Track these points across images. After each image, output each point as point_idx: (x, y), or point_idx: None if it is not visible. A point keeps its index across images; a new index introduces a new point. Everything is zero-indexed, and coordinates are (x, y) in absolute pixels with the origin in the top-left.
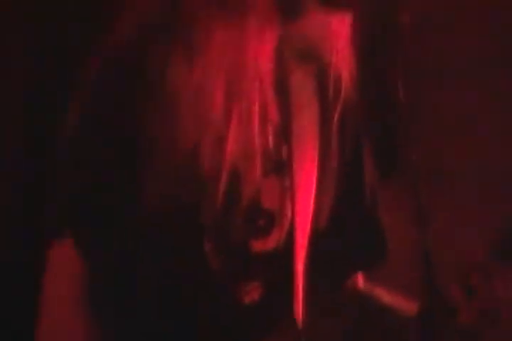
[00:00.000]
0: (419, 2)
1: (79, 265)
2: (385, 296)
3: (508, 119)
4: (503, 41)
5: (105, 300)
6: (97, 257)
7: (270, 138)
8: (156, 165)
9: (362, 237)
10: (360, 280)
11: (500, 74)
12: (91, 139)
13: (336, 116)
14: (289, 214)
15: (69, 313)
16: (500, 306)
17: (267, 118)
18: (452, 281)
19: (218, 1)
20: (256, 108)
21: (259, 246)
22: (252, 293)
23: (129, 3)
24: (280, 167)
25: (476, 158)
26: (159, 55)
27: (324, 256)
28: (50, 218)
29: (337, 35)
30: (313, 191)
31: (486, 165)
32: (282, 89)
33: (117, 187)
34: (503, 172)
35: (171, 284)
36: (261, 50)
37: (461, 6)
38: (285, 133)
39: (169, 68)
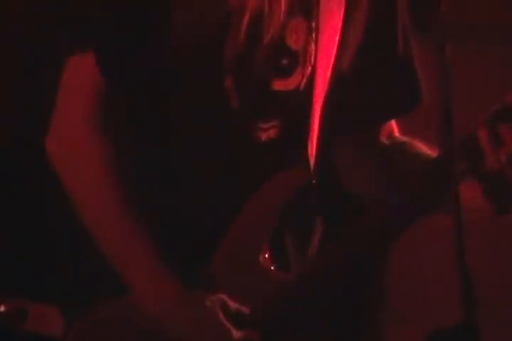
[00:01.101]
0: None
1: (99, 81)
2: (418, 147)
3: None
4: None
5: (121, 125)
6: (118, 76)
7: None
8: None
9: (392, 84)
10: (395, 128)
11: None
12: None
13: None
14: (313, 55)
15: (83, 132)
16: None
17: None
18: (481, 129)
19: None
20: None
21: (280, 85)
22: (269, 132)
23: None
24: (307, 8)
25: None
26: None
27: (345, 100)
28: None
29: None
30: (338, 36)
31: None
32: None
33: (140, 16)
34: None
35: (190, 118)
36: None
37: None
38: None
39: None
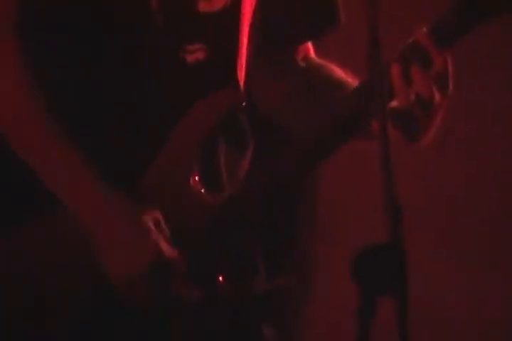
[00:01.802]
0: None
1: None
2: (334, 71)
3: None
4: None
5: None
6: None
7: None
8: None
9: (311, 4)
10: (311, 50)
11: None
12: None
13: None
14: None
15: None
16: (434, 93)
17: None
18: (394, 66)
19: None
20: None
21: (205, 6)
22: (197, 54)
23: None
24: None
25: None
26: None
27: (271, 20)
28: None
29: None
30: None
31: None
32: None
33: None
34: None
35: (117, 41)
36: None
37: None
38: None
39: None
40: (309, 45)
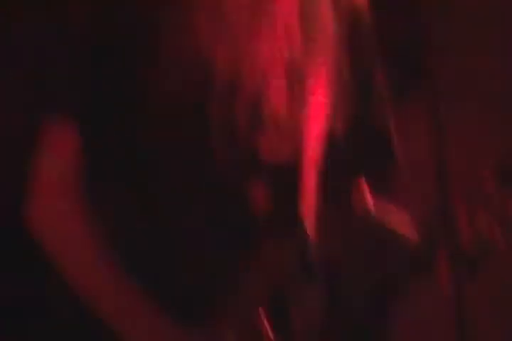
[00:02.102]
0: None
1: (79, 152)
2: (394, 222)
3: None
4: None
5: (105, 194)
6: (100, 145)
7: (287, 52)
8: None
9: (372, 151)
10: (371, 201)
11: None
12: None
13: (346, 39)
14: (300, 124)
15: (65, 206)
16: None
17: (289, 35)
18: (459, 205)
19: None
20: (279, 27)
21: (270, 157)
22: (257, 192)
23: None
24: (299, 78)
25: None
26: None
27: (335, 167)
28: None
29: None
30: (326, 108)
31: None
32: (306, 15)
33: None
34: None
35: (175, 179)
36: None
37: None
38: (306, 46)
39: None
40: (368, 196)
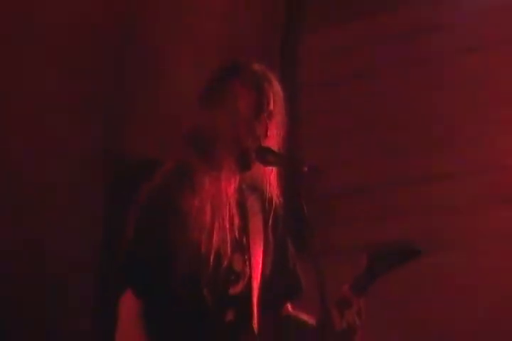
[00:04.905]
0: None
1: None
2: (303, 315)
3: None
4: None
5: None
6: (150, 299)
7: (236, 233)
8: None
9: (288, 283)
10: (289, 307)
11: None
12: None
13: (271, 221)
14: (248, 273)
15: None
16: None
17: (233, 222)
18: (334, 308)
19: (211, 164)
20: (227, 218)
21: (232, 290)
22: (229, 316)
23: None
24: (242, 248)
25: None
26: (178, 190)
27: (267, 294)
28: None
29: (268, 175)
30: (261, 261)
31: None
32: (242, 207)
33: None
34: None
35: (185, 316)
36: (229, 187)
37: None
38: (244, 230)
39: (183, 199)
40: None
